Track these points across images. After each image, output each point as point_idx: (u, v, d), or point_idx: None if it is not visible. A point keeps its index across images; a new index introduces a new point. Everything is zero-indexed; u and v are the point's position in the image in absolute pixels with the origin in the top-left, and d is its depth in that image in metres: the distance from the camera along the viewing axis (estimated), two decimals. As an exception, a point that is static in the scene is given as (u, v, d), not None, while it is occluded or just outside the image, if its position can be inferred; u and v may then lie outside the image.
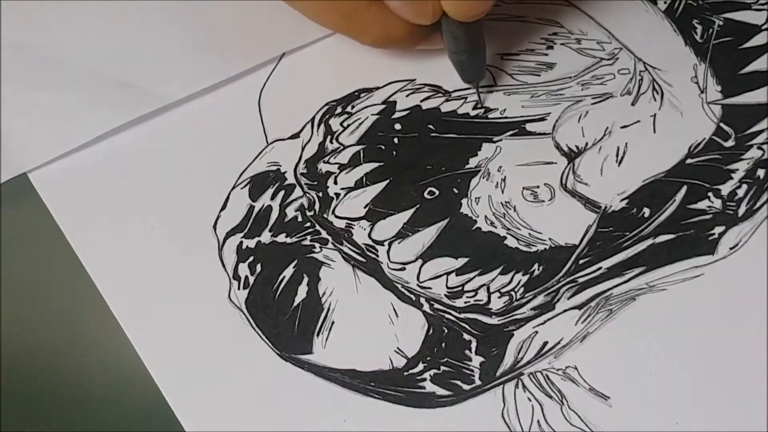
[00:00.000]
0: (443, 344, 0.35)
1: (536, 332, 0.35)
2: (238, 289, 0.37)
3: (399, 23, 0.37)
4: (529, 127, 0.39)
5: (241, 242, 0.38)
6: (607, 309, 0.35)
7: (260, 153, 0.40)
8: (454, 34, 0.37)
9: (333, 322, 0.36)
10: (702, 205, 0.36)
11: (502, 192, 0.38)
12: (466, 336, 0.35)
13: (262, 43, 0.42)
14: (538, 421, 0.34)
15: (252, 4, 0.42)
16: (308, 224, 0.38)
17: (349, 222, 0.38)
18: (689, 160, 0.37)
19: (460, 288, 0.36)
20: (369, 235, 0.37)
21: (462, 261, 0.36)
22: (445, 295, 0.36)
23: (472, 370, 0.35)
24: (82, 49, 0.42)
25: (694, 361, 0.34)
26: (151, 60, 0.42)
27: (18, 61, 0.42)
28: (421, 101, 0.40)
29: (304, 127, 0.40)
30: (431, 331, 0.35)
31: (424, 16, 0.36)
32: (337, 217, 0.38)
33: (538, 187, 0.37)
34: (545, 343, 0.35)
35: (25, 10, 0.42)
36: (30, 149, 0.40)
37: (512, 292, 0.36)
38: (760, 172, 0.37)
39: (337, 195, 0.38)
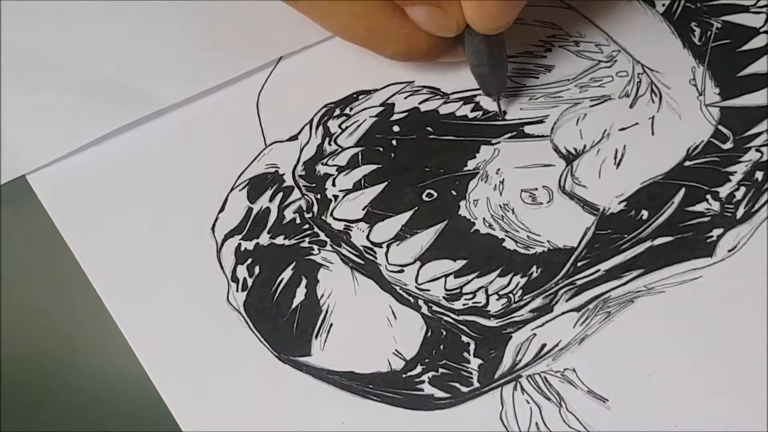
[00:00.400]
0: (441, 346, 0.35)
1: (534, 334, 0.35)
2: (237, 291, 0.37)
3: (422, 36, 0.37)
4: (527, 129, 0.39)
5: (240, 244, 0.38)
6: (605, 311, 0.35)
7: (258, 155, 0.40)
8: (477, 48, 0.36)
9: (331, 324, 0.36)
10: (700, 207, 0.36)
11: (501, 194, 0.38)
12: (464, 338, 0.35)
13: (261, 45, 0.42)
14: (537, 424, 0.34)
15: (251, 6, 0.42)
16: (306, 226, 0.38)
17: (348, 224, 0.38)
18: (687, 163, 0.37)
19: (459, 290, 0.36)
20: (367, 237, 0.37)
21: (460, 263, 0.36)
22: (444, 297, 0.36)
23: (471, 373, 0.35)
24: (81, 52, 0.42)
25: (693, 364, 0.34)
26: (150, 63, 0.42)
27: (17, 63, 0.42)
28: (420, 103, 0.40)
29: (302, 129, 0.40)
30: (429, 333, 0.35)
31: (447, 30, 0.36)
32: (335, 219, 0.38)
33: (536, 189, 0.37)
34: (543, 346, 0.35)
35: (25, 11, 0.42)
36: (29, 151, 0.40)
37: (510, 294, 0.36)
38: (759, 175, 0.37)
39: (336, 197, 0.38)
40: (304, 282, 0.37)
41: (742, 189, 0.37)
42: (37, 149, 0.40)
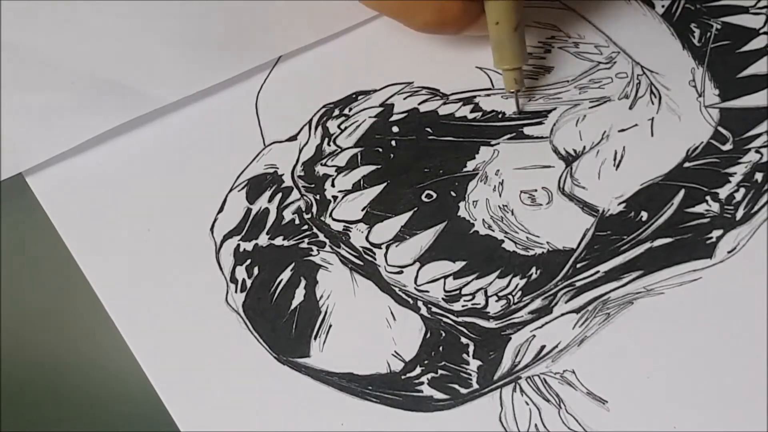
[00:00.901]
0: (441, 348, 0.35)
1: (534, 336, 0.35)
2: (236, 292, 0.37)
3: (452, 4, 0.37)
4: (526, 130, 0.39)
5: (239, 245, 0.38)
6: (604, 313, 0.35)
7: (257, 155, 0.40)
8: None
9: (330, 326, 0.36)
10: (700, 208, 0.36)
11: (500, 195, 0.37)
12: (463, 339, 0.35)
13: (260, 45, 0.42)
14: (536, 425, 0.34)
15: (249, 6, 0.42)
16: (305, 227, 0.38)
17: (347, 225, 0.38)
18: (687, 164, 0.37)
19: (458, 291, 0.36)
20: (366, 238, 0.37)
21: (459, 264, 0.36)
22: (443, 298, 0.36)
23: (470, 374, 0.35)
24: (79, 51, 0.42)
25: (692, 365, 0.34)
26: (148, 62, 0.41)
27: (15, 61, 0.41)
28: (419, 104, 0.40)
29: (301, 130, 0.40)
30: (429, 334, 0.35)
31: None
32: (334, 219, 0.38)
33: (535, 190, 0.37)
34: (543, 347, 0.35)
35: (22, 10, 0.42)
36: (27, 149, 0.40)
37: (510, 296, 0.36)
38: (758, 176, 0.37)
39: (335, 198, 0.38)
40: (303, 283, 0.37)
41: (742, 190, 0.36)
42: (35, 147, 0.40)
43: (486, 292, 0.36)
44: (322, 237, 0.37)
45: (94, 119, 0.40)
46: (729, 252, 0.35)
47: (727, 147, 0.37)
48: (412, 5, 0.37)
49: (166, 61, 0.41)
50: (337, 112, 0.40)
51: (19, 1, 0.42)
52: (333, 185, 0.38)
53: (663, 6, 0.41)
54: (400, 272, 0.36)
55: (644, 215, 0.36)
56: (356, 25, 0.42)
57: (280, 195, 0.39)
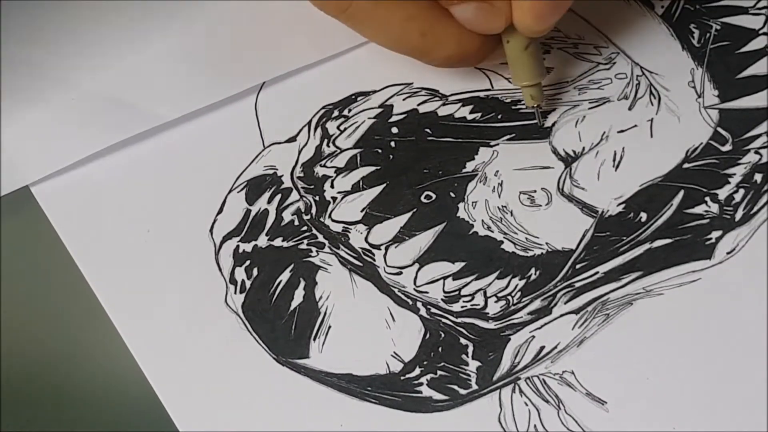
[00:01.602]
0: (440, 348, 0.35)
1: (533, 337, 0.35)
2: (235, 293, 0.37)
3: (471, 37, 0.35)
4: (526, 131, 0.39)
5: (238, 246, 0.38)
6: (604, 314, 0.35)
7: (257, 156, 0.40)
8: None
9: (330, 327, 0.36)
10: (699, 209, 0.36)
11: (499, 196, 0.37)
12: (462, 340, 0.35)
13: (261, 64, 0.41)
14: (535, 426, 0.34)
15: (252, 27, 0.42)
16: (305, 228, 0.38)
17: (346, 226, 0.38)
18: (686, 165, 0.37)
19: (457, 292, 0.36)
20: (366, 239, 0.37)
21: (459, 265, 0.36)
22: (442, 299, 0.36)
23: (469, 375, 0.35)
24: (81, 68, 0.42)
25: (691, 366, 0.34)
26: (150, 80, 0.41)
27: (16, 77, 0.41)
28: (418, 105, 0.40)
29: (300, 131, 0.40)
30: (428, 335, 0.35)
31: (495, 27, 0.35)
32: (333, 221, 0.38)
33: (535, 191, 0.37)
34: (542, 348, 0.35)
35: (25, 27, 0.42)
36: (29, 164, 0.40)
37: (509, 297, 0.36)
38: (758, 177, 0.37)
39: (334, 199, 0.38)
40: (302, 284, 0.37)
41: (741, 191, 0.36)
42: (35, 162, 0.40)
43: (485, 292, 0.36)
44: (321, 238, 0.37)
45: (94, 136, 0.40)
46: (728, 253, 0.35)
47: (727, 148, 0.37)
48: (434, 41, 0.36)
49: (168, 80, 0.41)
50: (336, 113, 0.40)
51: (22, 18, 0.42)
52: (332, 186, 0.38)
53: (662, 6, 0.41)
54: (400, 273, 0.36)
55: (643, 216, 0.36)
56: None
57: (279, 196, 0.39)
